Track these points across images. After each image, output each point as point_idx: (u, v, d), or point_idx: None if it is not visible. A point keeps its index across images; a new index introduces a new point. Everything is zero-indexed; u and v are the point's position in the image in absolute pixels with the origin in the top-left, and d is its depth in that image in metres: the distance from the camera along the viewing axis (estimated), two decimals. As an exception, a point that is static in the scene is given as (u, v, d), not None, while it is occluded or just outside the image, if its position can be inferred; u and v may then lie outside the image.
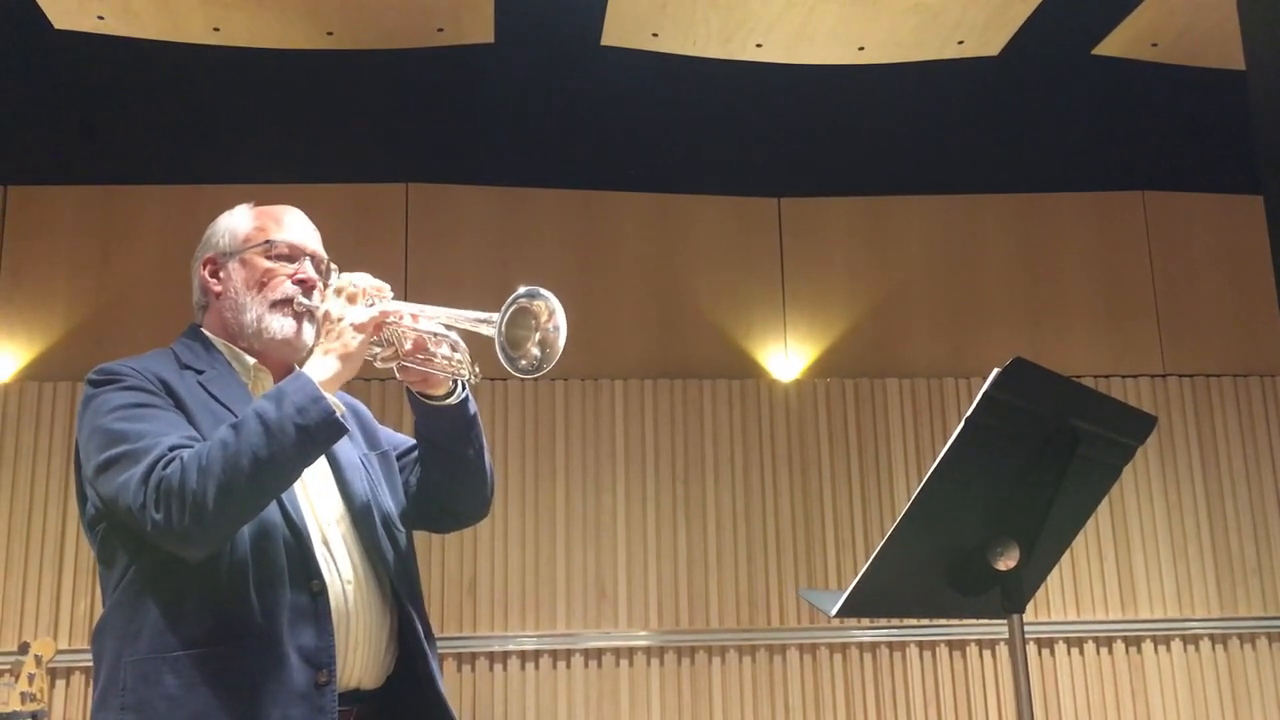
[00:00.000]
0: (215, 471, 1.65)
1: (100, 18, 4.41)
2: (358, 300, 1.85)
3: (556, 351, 1.77)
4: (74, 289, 5.08)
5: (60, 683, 4.61)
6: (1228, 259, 5.58)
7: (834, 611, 1.83)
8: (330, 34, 4.61)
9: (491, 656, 4.85)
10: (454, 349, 1.86)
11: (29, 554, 4.73)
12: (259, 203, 2.04)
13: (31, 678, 4.26)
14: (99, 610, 5.05)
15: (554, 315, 1.77)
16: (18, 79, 4.75)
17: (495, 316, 1.73)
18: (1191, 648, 5.09)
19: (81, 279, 5.10)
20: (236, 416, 1.80)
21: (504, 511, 4.98)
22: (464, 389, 1.94)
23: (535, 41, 4.66)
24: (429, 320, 1.86)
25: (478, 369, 1.88)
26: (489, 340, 1.75)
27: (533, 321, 1.77)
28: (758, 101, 5.10)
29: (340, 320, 1.82)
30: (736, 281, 5.40)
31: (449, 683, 4.77)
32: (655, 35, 4.67)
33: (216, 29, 4.52)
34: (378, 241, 5.15)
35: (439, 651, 2.01)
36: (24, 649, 4.33)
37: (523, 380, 4.88)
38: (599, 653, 4.90)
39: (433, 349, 1.87)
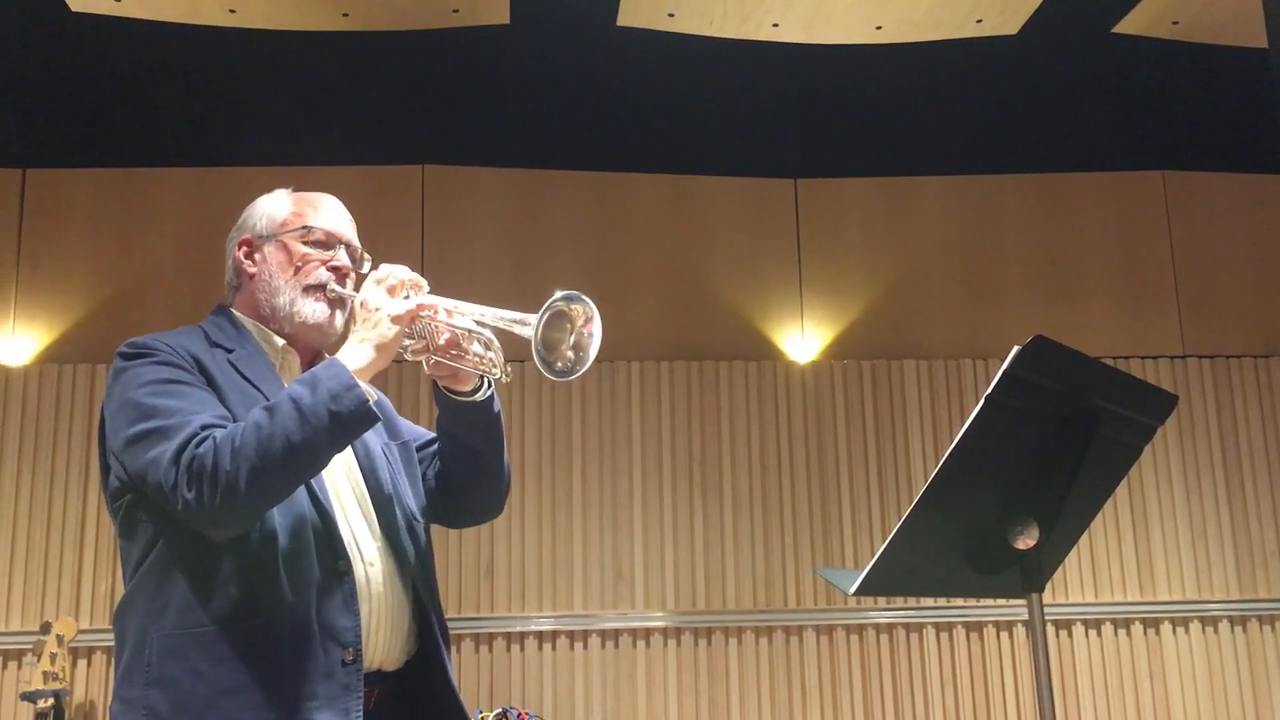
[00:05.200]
0: (248, 453, 1.66)
1: (117, 0, 4.42)
2: (396, 292, 1.86)
3: (590, 356, 1.79)
4: (92, 272, 5.10)
5: (82, 662, 4.65)
6: (1248, 239, 5.54)
7: (852, 590, 1.83)
8: (346, 15, 4.60)
9: (509, 637, 4.86)
10: (487, 347, 1.87)
11: (50, 535, 4.76)
12: (297, 187, 2.06)
13: (54, 657, 4.30)
14: (119, 591, 5.09)
15: (591, 321, 1.79)
16: (35, 62, 4.77)
17: (532, 318, 1.73)
18: (1210, 630, 5.08)
19: (100, 262, 5.12)
20: (266, 396, 1.82)
21: (521, 493, 4.99)
22: (490, 386, 1.95)
23: (551, 22, 4.64)
24: (464, 316, 1.87)
25: (509, 369, 1.89)
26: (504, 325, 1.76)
27: (568, 325, 1.79)
28: (774, 82, 5.07)
29: (378, 310, 1.83)
30: (753, 263, 5.39)
31: (467, 663, 4.80)
32: (671, 15, 4.65)
33: (232, 11, 4.52)
34: (394, 223, 5.15)
35: (452, 634, 2.02)
36: (46, 629, 4.37)
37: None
38: (616, 634, 4.92)
39: (465, 345, 1.88)
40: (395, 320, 1.82)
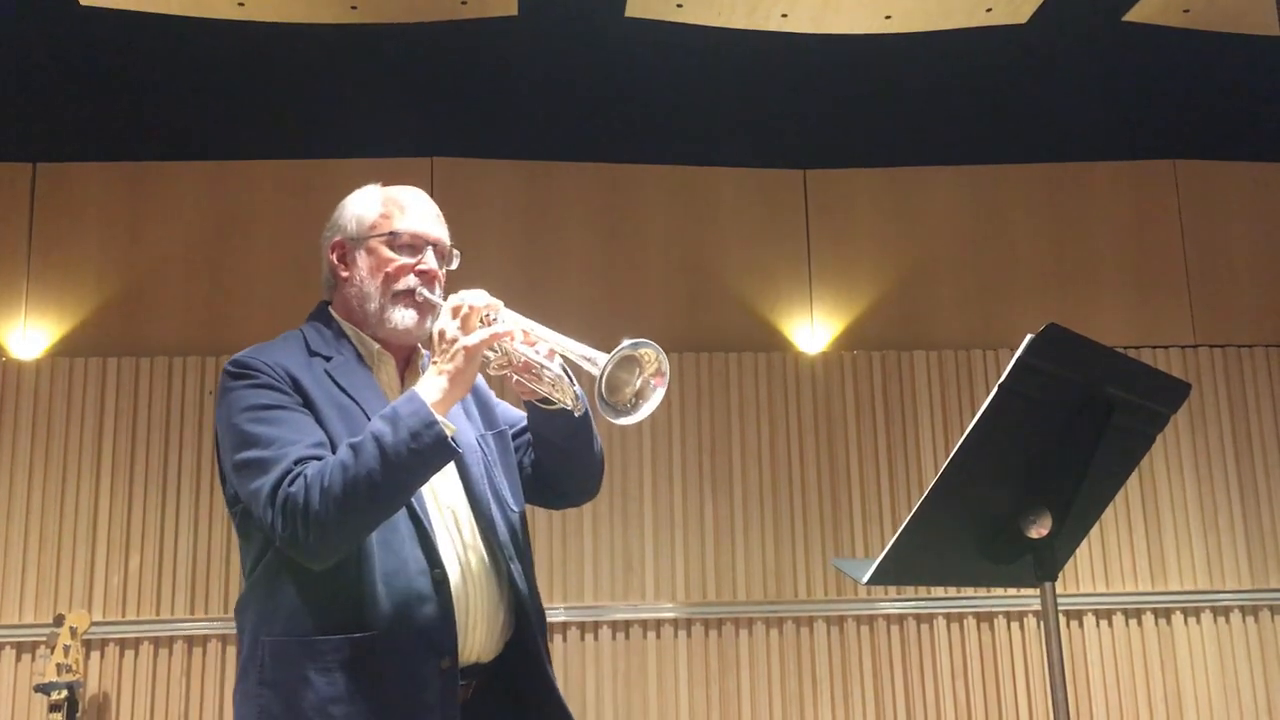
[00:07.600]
0: (336, 494, 1.75)
1: (125, -6, 4.42)
2: (471, 321, 1.90)
3: (647, 406, 1.82)
4: (103, 266, 5.11)
5: (95, 654, 4.66)
6: (1260, 228, 5.51)
7: (865, 579, 1.83)
8: (354, 8, 4.60)
9: (520, 629, 4.87)
10: (561, 373, 1.93)
11: (62, 528, 4.78)
12: (386, 182, 2.14)
13: (67, 649, 4.32)
14: (131, 583, 5.09)
15: (661, 375, 1.83)
16: (45, 57, 4.77)
17: (602, 358, 1.78)
18: (1222, 620, 5.06)
19: (110, 256, 5.13)
20: (362, 408, 1.91)
21: (531, 485, 4.99)
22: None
23: (559, 14, 4.63)
24: (541, 342, 1.93)
25: (584, 401, 1.95)
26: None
27: (636, 369, 1.84)
28: (783, 73, 5.06)
29: (454, 342, 1.88)
30: (762, 254, 5.38)
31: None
32: (680, 6, 4.64)
33: (241, 4, 4.52)
34: (403, 216, 5.14)
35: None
36: (59, 621, 4.39)
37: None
38: (626, 625, 4.92)
39: (540, 370, 1.95)
40: (470, 351, 1.87)
